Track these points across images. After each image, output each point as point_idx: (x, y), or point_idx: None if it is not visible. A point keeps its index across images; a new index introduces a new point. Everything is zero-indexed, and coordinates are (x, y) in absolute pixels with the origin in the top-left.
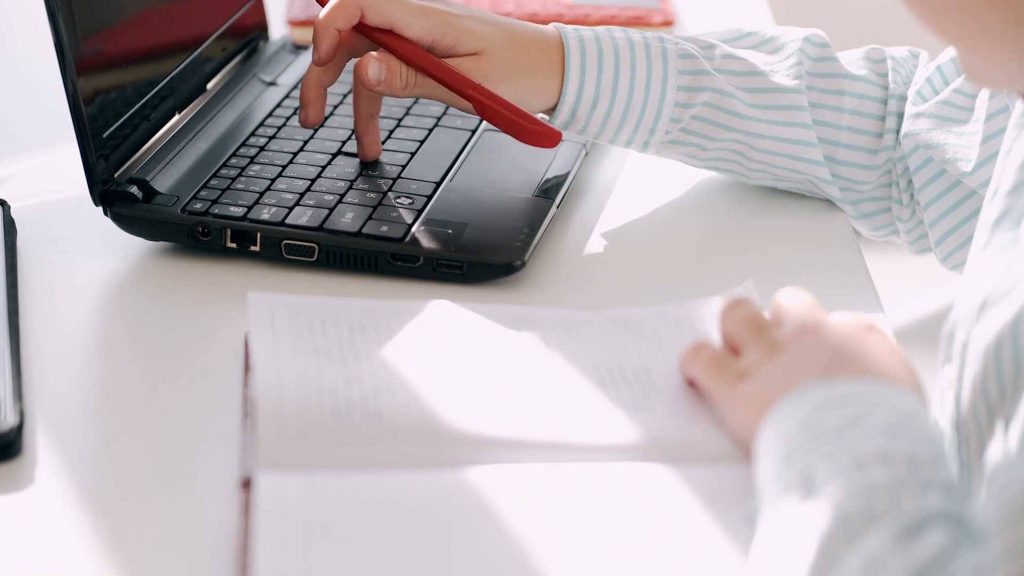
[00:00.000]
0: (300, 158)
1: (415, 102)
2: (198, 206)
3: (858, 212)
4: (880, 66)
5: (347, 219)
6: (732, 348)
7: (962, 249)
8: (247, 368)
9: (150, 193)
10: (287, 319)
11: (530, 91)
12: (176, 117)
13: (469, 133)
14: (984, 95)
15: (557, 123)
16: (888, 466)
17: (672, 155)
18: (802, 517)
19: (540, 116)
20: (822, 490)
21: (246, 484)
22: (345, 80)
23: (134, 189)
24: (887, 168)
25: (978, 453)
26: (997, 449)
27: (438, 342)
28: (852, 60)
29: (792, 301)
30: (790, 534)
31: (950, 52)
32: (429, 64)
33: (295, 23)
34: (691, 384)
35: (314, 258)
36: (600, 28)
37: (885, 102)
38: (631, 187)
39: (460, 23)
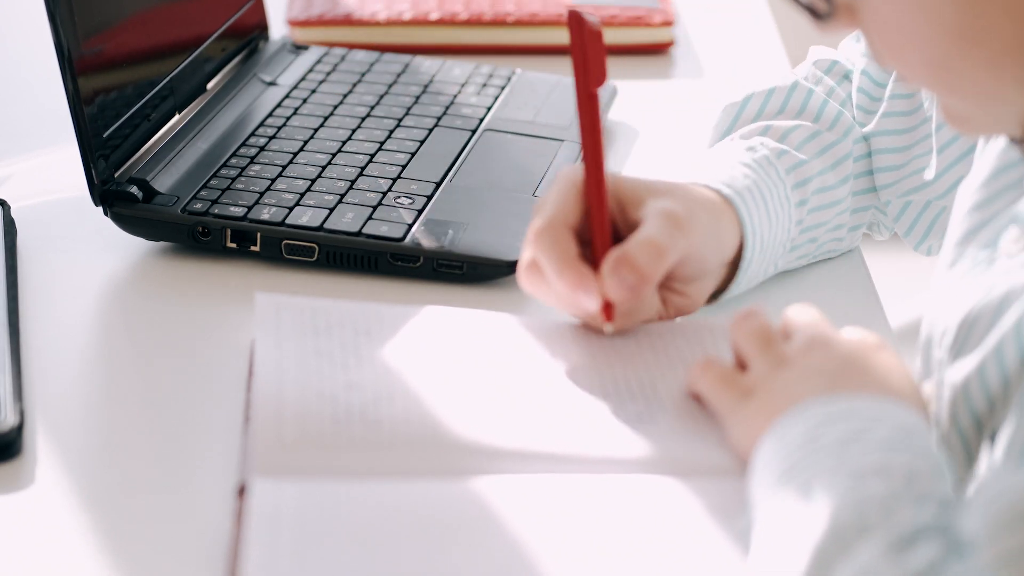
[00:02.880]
0: (300, 158)
1: (414, 101)
2: (198, 206)
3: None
4: (837, 125)
5: (347, 219)
6: (741, 362)
7: (932, 233)
8: (252, 373)
9: (150, 193)
10: (292, 322)
11: (715, 249)
12: (176, 117)
13: (469, 133)
14: (920, 95)
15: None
16: (886, 479)
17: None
18: (797, 526)
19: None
20: (818, 501)
21: (242, 491)
22: (345, 80)
23: (134, 189)
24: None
25: (964, 466)
26: (984, 462)
27: (442, 350)
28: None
29: (802, 316)
30: (784, 543)
31: (860, 48)
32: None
33: (295, 23)
34: (698, 399)
35: (314, 258)
36: (729, 158)
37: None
38: None
39: (692, 240)
